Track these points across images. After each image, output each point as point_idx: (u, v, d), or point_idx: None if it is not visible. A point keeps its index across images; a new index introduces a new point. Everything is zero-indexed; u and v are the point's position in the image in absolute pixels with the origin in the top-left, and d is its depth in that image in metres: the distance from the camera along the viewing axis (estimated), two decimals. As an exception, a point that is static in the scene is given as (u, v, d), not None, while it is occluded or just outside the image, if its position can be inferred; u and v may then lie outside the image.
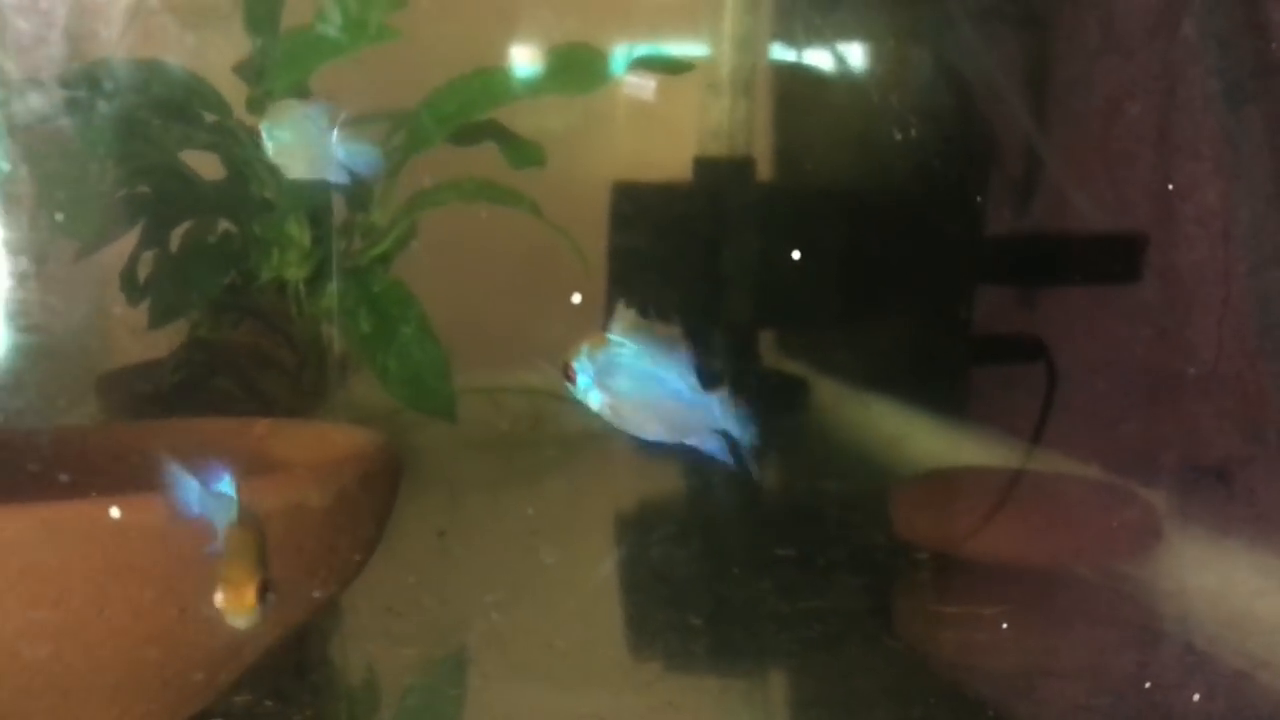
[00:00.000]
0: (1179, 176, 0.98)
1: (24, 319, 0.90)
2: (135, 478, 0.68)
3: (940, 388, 1.39)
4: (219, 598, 0.45)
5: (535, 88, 0.91)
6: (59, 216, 0.89)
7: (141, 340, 1.04)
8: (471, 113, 0.92)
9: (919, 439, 1.23)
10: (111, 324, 1.12)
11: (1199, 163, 0.95)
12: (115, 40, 1.03)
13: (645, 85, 1.16)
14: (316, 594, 0.58)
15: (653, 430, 0.52)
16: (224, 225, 1.02)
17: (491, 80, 0.93)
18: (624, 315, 0.50)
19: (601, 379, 0.50)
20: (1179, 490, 0.89)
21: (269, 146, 0.66)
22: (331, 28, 0.87)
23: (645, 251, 1.35)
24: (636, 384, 0.51)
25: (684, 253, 1.33)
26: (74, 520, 0.51)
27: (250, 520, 0.48)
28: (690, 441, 0.52)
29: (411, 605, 0.78)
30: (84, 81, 0.88)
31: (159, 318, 1.00)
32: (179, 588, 0.52)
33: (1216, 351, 0.90)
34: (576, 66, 0.92)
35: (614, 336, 0.49)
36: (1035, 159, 1.20)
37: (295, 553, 0.56)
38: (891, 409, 1.32)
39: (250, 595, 0.45)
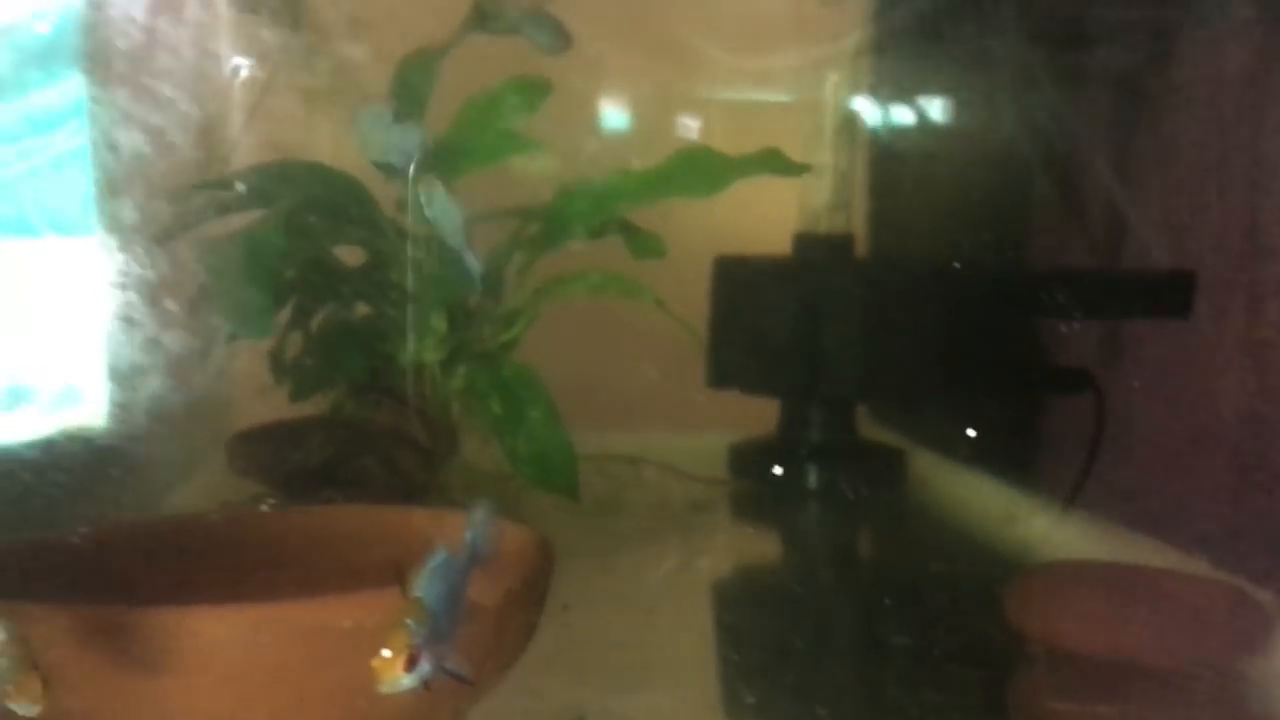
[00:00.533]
0: (1272, 231, 0.99)
1: (158, 380, 0.98)
2: (317, 563, 0.74)
3: (1039, 463, 1.40)
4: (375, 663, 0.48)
5: (661, 190, 0.97)
6: (223, 304, 0.97)
7: (265, 402, 1.12)
8: (603, 212, 0.97)
9: (1019, 515, 1.24)
10: (235, 386, 1.20)
11: None
12: (245, 128, 1.12)
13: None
14: (484, 683, 0.63)
15: None
16: (363, 309, 1.10)
17: (621, 182, 0.99)
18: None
19: None
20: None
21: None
22: (474, 136, 0.93)
23: (745, 324, 1.39)
24: None
25: (783, 325, 1.37)
26: (282, 620, 0.56)
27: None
28: None
29: (549, 685, 0.82)
30: (253, 181, 0.97)
31: (302, 392, 1.08)
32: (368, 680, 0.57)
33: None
34: (700, 169, 0.97)
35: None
36: (1130, 226, 1.22)
37: (467, 647, 0.61)
38: (990, 483, 1.34)
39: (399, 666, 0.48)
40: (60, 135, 0.96)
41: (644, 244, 1.04)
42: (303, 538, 0.77)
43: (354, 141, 1.07)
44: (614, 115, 1.29)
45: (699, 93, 1.28)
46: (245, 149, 1.14)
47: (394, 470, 1.01)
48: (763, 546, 1.34)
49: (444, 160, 0.94)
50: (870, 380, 1.42)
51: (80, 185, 0.99)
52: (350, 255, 1.10)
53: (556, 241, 0.99)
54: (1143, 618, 0.83)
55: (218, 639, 0.55)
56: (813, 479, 1.44)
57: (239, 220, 0.98)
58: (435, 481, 1.06)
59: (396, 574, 0.52)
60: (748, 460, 1.44)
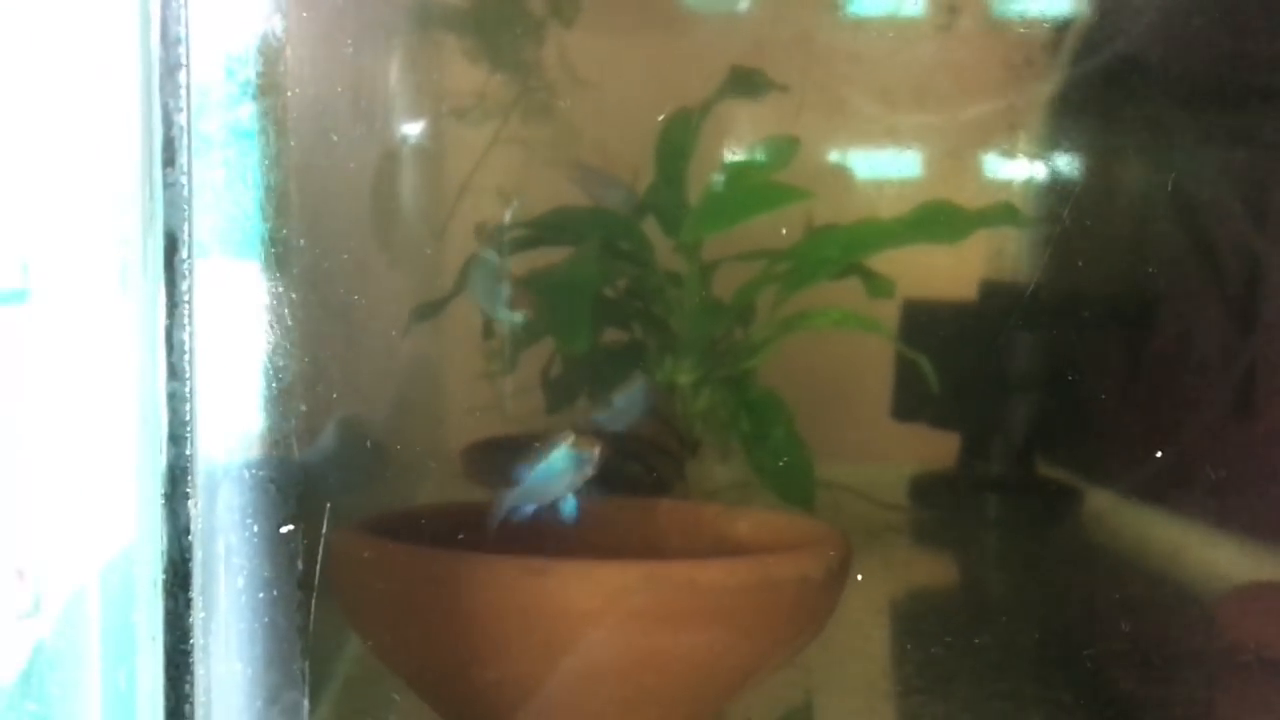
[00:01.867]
0: None
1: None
2: (635, 544, 0.89)
3: (1212, 498, 1.47)
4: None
5: (907, 237, 1.10)
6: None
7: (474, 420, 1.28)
8: (850, 256, 1.11)
9: (1193, 550, 1.32)
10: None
11: None
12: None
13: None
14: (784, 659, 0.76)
15: None
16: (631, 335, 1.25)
17: (867, 228, 1.12)
18: None
19: None
20: None
21: None
22: (742, 189, 1.09)
23: (932, 364, 1.51)
24: None
25: (966, 367, 1.48)
26: (664, 575, 0.71)
27: None
28: None
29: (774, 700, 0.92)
30: (548, 221, 1.14)
31: (557, 405, 1.24)
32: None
33: None
34: (942, 220, 1.10)
35: None
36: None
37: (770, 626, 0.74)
38: (1165, 520, 1.42)
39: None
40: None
41: (878, 285, 1.17)
42: (621, 525, 0.92)
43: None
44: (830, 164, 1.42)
45: (897, 146, 1.40)
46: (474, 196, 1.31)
47: (653, 474, 1.15)
48: (939, 570, 1.44)
49: (715, 213, 1.09)
50: (1048, 419, 1.51)
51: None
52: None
53: (806, 280, 1.13)
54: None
55: (618, 586, 0.70)
56: (988, 510, 1.53)
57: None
58: (685, 488, 1.20)
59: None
60: (927, 491, 1.55)
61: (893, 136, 1.40)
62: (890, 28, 1.39)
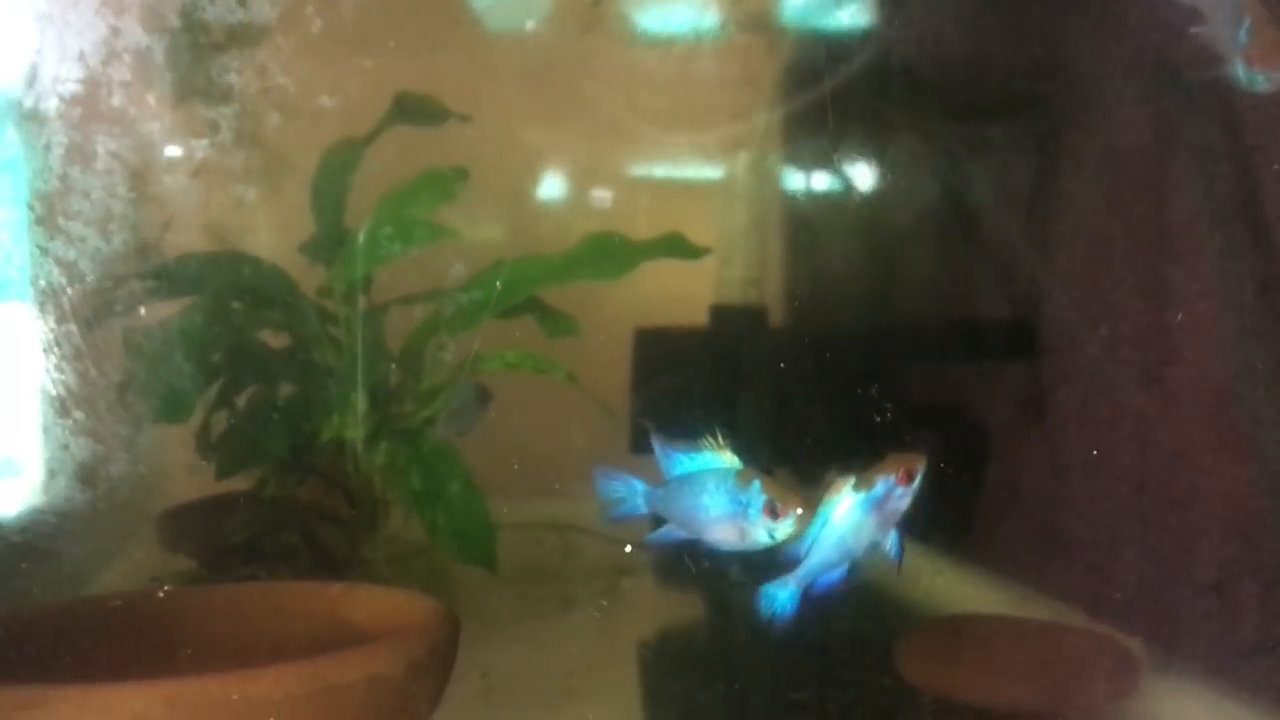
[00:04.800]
0: (1172, 290, 1.07)
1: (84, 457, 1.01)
2: (226, 641, 0.78)
3: (945, 524, 1.47)
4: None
5: (570, 274, 1.03)
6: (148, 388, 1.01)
7: (196, 478, 1.15)
8: (513, 295, 1.03)
9: (925, 573, 1.31)
10: (169, 461, 1.23)
11: (1191, 277, 1.04)
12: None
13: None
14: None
15: None
16: (288, 389, 1.14)
17: (530, 265, 1.05)
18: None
19: None
20: (1171, 617, 0.96)
21: None
22: (391, 226, 0.99)
23: (665, 392, 1.45)
24: None
25: (701, 393, 1.44)
26: (192, 696, 0.60)
27: None
28: None
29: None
30: (180, 269, 1.01)
31: (228, 470, 1.11)
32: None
33: (1210, 465, 0.98)
34: (607, 253, 1.04)
35: None
36: (1040, 286, 1.29)
37: (374, 715, 0.65)
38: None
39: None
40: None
41: (557, 324, 1.10)
42: (228, 614, 0.81)
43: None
44: (541, 191, 1.35)
45: (621, 171, 1.35)
46: (180, 229, 1.19)
47: (315, 545, 1.04)
48: (681, 607, 1.39)
49: (357, 251, 0.99)
50: (783, 445, 1.48)
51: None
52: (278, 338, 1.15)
53: (470, 323, 1.04)
54: (1022, 668, 0.89)
55: (133, 714, 0.59)
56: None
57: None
58: (358, 555, 1.10)
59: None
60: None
61: (611, 161, 1.34)
62: (617, 47, 1.33)
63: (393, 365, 1.09)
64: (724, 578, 1.47)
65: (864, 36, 1.36)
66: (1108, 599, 1.03)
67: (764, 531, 0.68)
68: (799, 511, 0.68)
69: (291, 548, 1.04)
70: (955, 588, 1.24)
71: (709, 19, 1.36)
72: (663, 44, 1.35)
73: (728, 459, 0.72)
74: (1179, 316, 1.06)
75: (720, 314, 1.47)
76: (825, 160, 1.48)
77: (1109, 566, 1.12)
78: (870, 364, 1.39)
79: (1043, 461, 1.24)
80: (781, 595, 0.70)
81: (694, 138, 1.42)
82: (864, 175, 1.49)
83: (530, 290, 1.05)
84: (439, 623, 0.71)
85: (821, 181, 1.53)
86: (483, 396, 1.03)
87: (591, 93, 1.33)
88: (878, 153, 1.40)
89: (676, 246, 1.06)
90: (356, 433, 1.09)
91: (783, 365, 1.44)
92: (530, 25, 1.31)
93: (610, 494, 0.76)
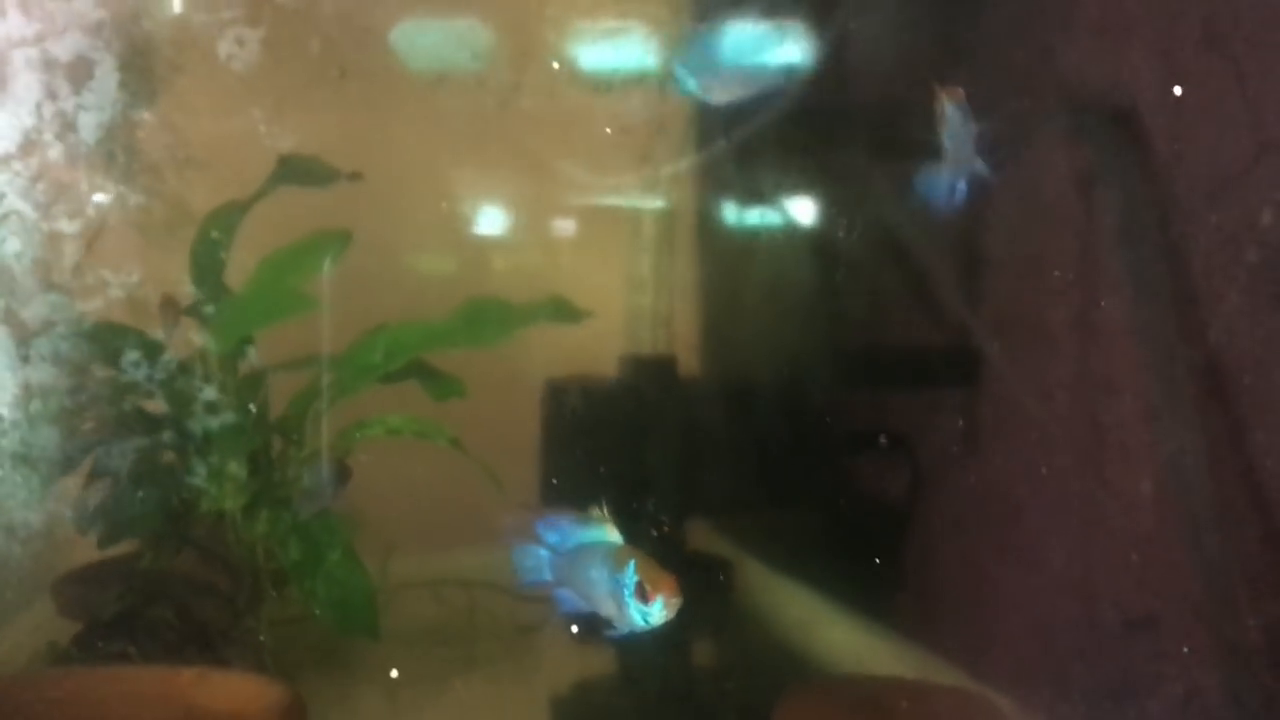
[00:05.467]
0: (1094, 314, 1.08)
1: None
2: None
3: (848, 573, 1.47)
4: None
5: (450, 340, 1.03)
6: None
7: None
8: (393, 361, 1.02)
9: (822, 626, 1.31)
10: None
11: (1111, 293, 1.05)
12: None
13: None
14: None
15: None
16: (168, 457, 1.12)
17: (410, 331, 1.04)
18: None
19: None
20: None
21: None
22: (260, 294, 0.98)
23: (575, 444, 1.45)
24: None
25: (611, 444, 1.43)
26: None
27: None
28: None
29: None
30: (46, 346, 0.99)
31: (106, 542, 1.08)
32: None
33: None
34: (487, 319, 1.03)
35: None
36: (965, 330, 1.30)
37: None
38: (803, 593, 1.40)
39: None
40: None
41: (442, 387, 1.09)
42: (82, 700, 0.79)
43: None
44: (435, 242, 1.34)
45: (528, 216, 1.35)
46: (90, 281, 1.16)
47: (188, 619, 1.02)
48: (588, 663, 1.37)
49: (229, 320, 0.98)
50: (693, 495, 1.48)
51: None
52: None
53: (350, 388, 1.03)
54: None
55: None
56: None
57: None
58: (238, 628, 1.07)
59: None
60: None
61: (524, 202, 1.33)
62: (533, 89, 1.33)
63: (273, 433, 1.07)
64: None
65: (776, 74, 1.38)
66: (985, 655, 1.03)
67: (636, 614, 0.67)
68: (672, 599, 0.67)
69: (164, 622, 1.01)
70: (847, 640, 1.25)
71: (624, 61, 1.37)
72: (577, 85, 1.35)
73: (610, 533, 0.72)
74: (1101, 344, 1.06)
75: (630, 364, 1.47)
76: (739, 199, 1.49)
77: (987, 625, 1.13)
78: (780, 409, 1.40)
79: (932, 517, 1.26)
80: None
81: (604, 180, 1.42)
82: (775, 213, 1.50)
83: (411, 354, 1.04)
84: (283, 710, 0.69)
85: (735, 219, 1.54)
86: (341, 474, 1.02)
87: (500, 135, 1.32)
88: (791, 191, 1.41)
89: (558, 311, 1.06)
90: (236, 502, 1.07)
91: (692, 413, 1.44)
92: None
93: (521, 561, 0.77)
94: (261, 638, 1.09)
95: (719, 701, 1.17)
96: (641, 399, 1.47)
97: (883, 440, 1.37)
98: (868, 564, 1.39)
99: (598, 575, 0.69)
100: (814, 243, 1.40)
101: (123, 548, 1.11)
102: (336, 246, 1.07)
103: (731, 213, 1.52)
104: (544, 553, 0.76)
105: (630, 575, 0.67)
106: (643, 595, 0.67)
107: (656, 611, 0.66)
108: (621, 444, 1.43)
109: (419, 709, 1.17)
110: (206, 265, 1.08)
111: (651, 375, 1.49)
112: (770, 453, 1.42)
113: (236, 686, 0.77)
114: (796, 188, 1.40)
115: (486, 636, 1.35)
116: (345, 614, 1.03)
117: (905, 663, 1.08)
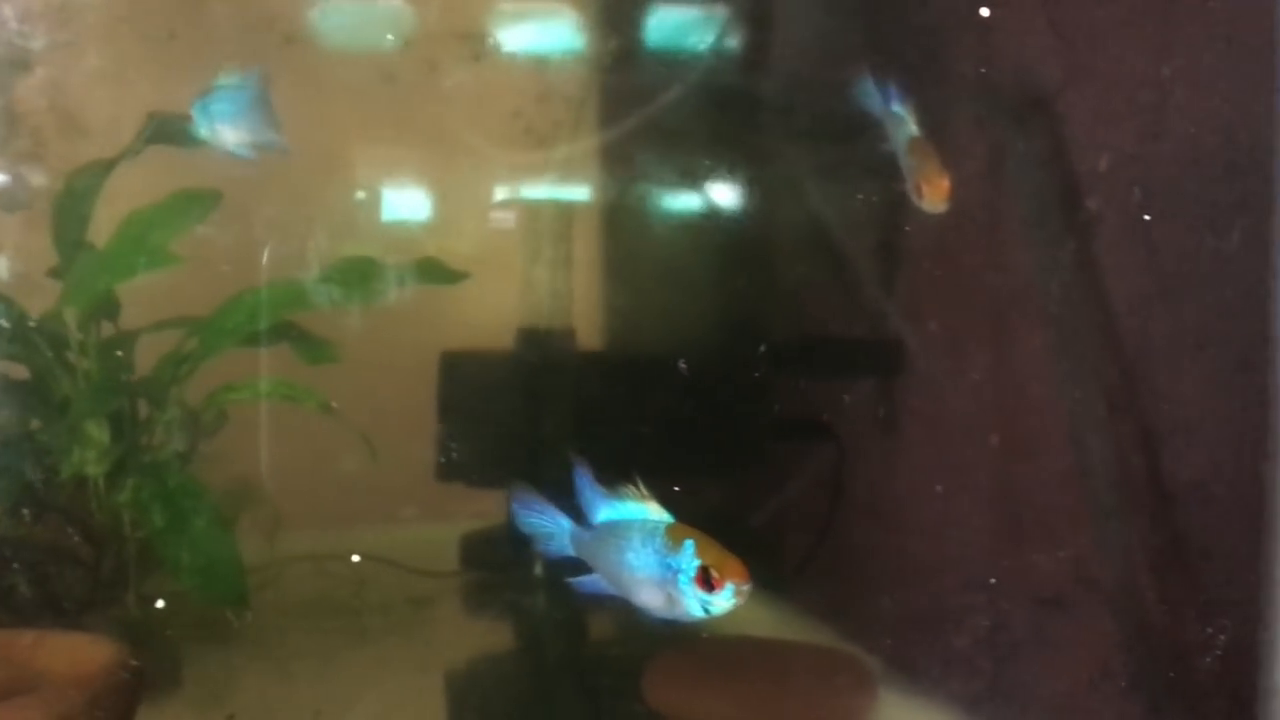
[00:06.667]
0: (1007, 299, 1.08)
1: None
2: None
3: (747, 548, 1.48)
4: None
5: (319, 299, 1.00)
6: None
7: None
8: (256, 322, 1.00)
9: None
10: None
11: (1022, 280, 1.06)
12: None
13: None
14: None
15: None
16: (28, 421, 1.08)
17: (279, 291, 1.01)
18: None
19: None
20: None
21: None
22: (121, 250, 0.95)
23: (471, 417, 1.43)
24: None
25: (508, 418, 1.41)
26: None
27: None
28: None
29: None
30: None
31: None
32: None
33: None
34: (358, 278, 1.01)
35: None
36: (876, 311, 1.31)
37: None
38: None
39: (947, 183, 0.63)
40: None
41: (314, 351, 1.06)
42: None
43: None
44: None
45: (431, 186, 1.32)
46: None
47: (44, 589, 0.98)
48: (483, 639, 1.36)
49: (90, 274, 0.94)
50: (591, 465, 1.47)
51: None
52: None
53: (213, 350, 1.01)
54: (762, 688, 0.89)
55: None
56: (539, 568, 1.47)
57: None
58: (99, 597, 1.04)
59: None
60: (478, 552, 1.46)
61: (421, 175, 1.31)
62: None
63: (137, 395, 1.04)
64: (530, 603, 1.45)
65: (689, 56, 1.37)
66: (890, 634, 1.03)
67: (696, 604, 0.55)
68: (743, 585, 0.54)
69: (16, 591, 0.98)
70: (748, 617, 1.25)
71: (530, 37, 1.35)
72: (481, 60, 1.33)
73: (654, 510, 0.59)
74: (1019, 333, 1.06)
75: (527, 335, 1.46)
76: (643, 177, 1.48)
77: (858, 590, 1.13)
78: (679, 383, 1.39)
79: (815, 481, 1.26)
80: None
81: (506, 156, 1.40)
82: (680, 194, 1.49)
83: (279, 316, 1.01)
84: (109, 671, 0.67)
85: (639, 199, 1.53)
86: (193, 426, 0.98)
87: (403, 108, 1.30)
88: (695, 172, 1.41)
89: (432, 272, 1.04)
90: (98, 468, 1.04)
91: (589, 386, 1.43)
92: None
93: (533, 528, 0.65)
94: (130, 608, 1.06)
95: (601, 669, 1.16)
96: (537, 370, 1.45)
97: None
98: (769, 539, 1.39)
99: (642, 557, 0.57)
100: (718, 222, 1.40)
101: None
102: (205, 206, 1.04)
103: (634, 191, 1.51)
104: (565, 521, 0.64)
105: (689, 558, 0.55)
106: (707, 582, 0.55)
107: (724, 600, 0.55)
108: (516, 416, 1.41)
109: (307, 682, 1.15)
110: (69, 223, 1.04)
111: (548, 346, 1.48)
112: (667, 428, 1.41)
113: (76, 648, 0.74)
114: (703, 166, 1.39)
115: (376, 610, 1.33)
116: (211, 583, 1.01)
117: (786, 628, 1.08)
